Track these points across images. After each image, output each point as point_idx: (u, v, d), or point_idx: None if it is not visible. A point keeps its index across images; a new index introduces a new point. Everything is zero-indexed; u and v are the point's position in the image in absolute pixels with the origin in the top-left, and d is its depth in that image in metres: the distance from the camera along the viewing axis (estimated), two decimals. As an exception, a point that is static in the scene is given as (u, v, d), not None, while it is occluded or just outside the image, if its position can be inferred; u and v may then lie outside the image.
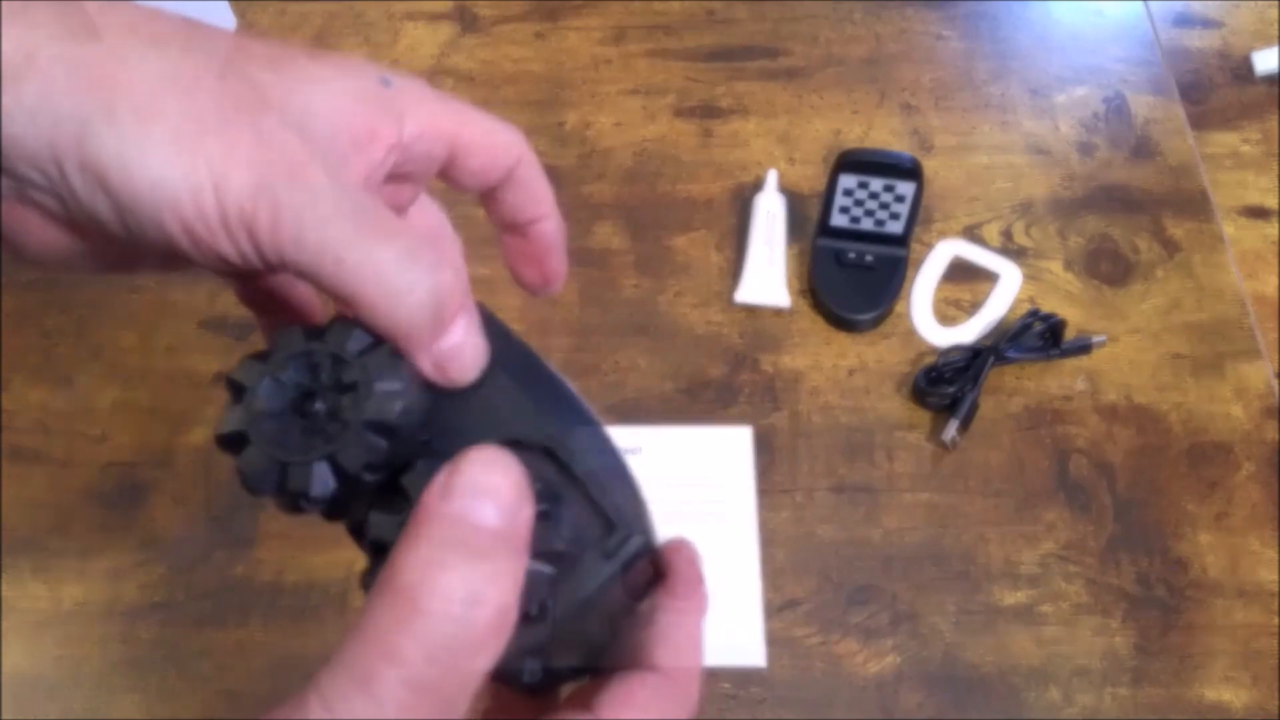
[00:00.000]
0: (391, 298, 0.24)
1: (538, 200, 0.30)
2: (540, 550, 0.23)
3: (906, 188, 0.67)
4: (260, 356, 0.25)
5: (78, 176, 0.22)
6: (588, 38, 0.83)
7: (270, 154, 0.23)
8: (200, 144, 0.22)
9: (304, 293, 0.30)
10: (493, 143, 0.29)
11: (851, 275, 0.69)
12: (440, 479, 0.22)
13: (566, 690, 0.28)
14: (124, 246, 0.24)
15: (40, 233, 0.24)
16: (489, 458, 0.22)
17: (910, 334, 0.68)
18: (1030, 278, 0.70)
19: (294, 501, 0.24)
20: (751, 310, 0.70)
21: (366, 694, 0.20)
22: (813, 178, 0.75)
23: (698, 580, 0.29)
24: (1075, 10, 0.84)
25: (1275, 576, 0.60)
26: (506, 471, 0.22)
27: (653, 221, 0.74)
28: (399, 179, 0.29)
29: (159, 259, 0.25)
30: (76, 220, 0.23)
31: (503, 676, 0.24)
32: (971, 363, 0.65)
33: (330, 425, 0.24)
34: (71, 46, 0.21)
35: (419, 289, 0.24)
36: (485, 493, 0.22)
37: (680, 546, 0.29)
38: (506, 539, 0.22)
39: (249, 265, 0.23)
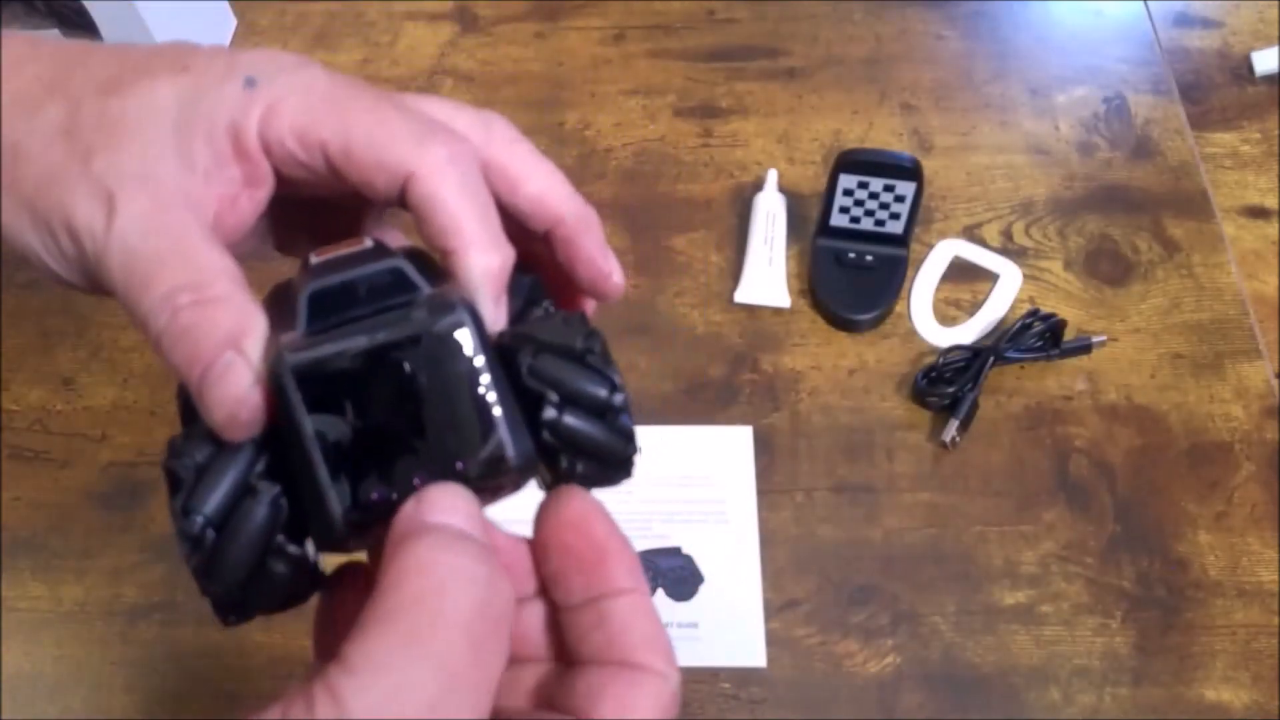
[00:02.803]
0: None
1: (455, 223, 0.26)
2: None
3: (906, 188, 0.67)
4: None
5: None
6: (588, 38, 0.83)
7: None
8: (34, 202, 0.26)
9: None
10: (382, 158, 0.27)
11: (851, 275, 0.69)
12: (410, 503, 0.24)
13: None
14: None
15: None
16: (450, 487, 0.24)
17: (910, 334, 0.68)
18: (1030, 278, 0.70)
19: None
20: (751, 310, 0.70)
21: (391, 683, 0.20)
22: (813, 178, 0.75)
23: (632, 557, 0.25)
24: (1075, 10, 0.84)
25: (1275, 576, 0.60)
26: (467, 496, 0.24)
27: (653, 221, 0.74)
28: (288, 184, 0.28)
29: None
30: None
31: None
32: (971, 363, 0.65)
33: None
34: None
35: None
36: (457, 510, 0.24)
37: (578, 520, 0.25)
38: (490, 548, 0.23)
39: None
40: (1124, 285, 0.70)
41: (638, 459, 0.27)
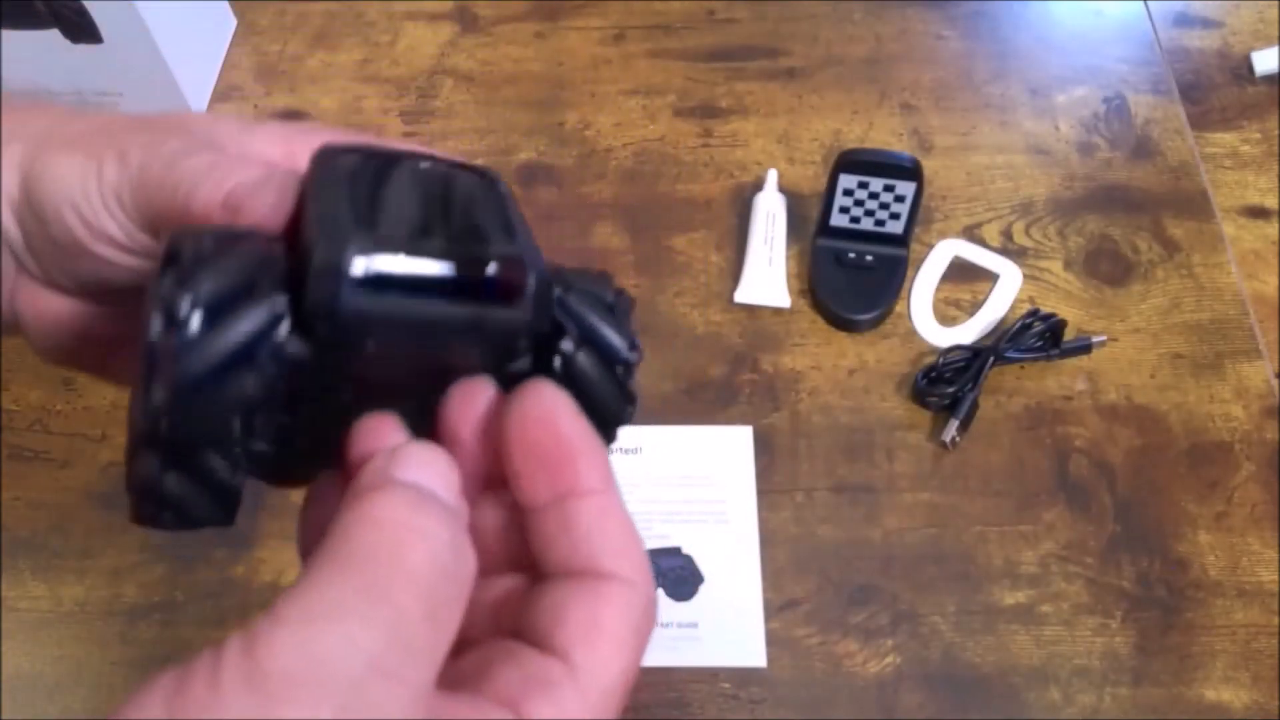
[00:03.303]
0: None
1: None
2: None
3: (906, 188, 0.67)
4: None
5: (26, 211, 0.27)
6: (588, 38, 0.83)
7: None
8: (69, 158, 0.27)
9: None
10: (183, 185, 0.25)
11: (851, 275, 0.69)
12: (383, 454, 0.22)
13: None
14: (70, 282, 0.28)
15: (42, 303, 0.29)
16: (423, 445, 0.22)
17: (910, 334, 0.68)
18: (1030, 278, 0.70)
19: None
20: (751, 310, 0.70)
21: (325, 641, 0.18)
22: (813, 178, 0.75)
23: (602, 458, 0.23)
24: (1075, 10, 0.84)
25: (1275, 576, 0.60)
26: (445, 456, 0.22)
27: (653, 221, 0.74)
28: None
29: (86, 284, 0.29)
30: (45, 270, 0.28)
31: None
32: (971, 363, 0.65)
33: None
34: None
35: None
36: (430, 468, 0.22)
37: (544, 415, 0.23)
38: (454, 512, 0.22)
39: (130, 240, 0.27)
40: (1124, 285, 0.70)
41: (628, 426, 0.26)
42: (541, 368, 0.25)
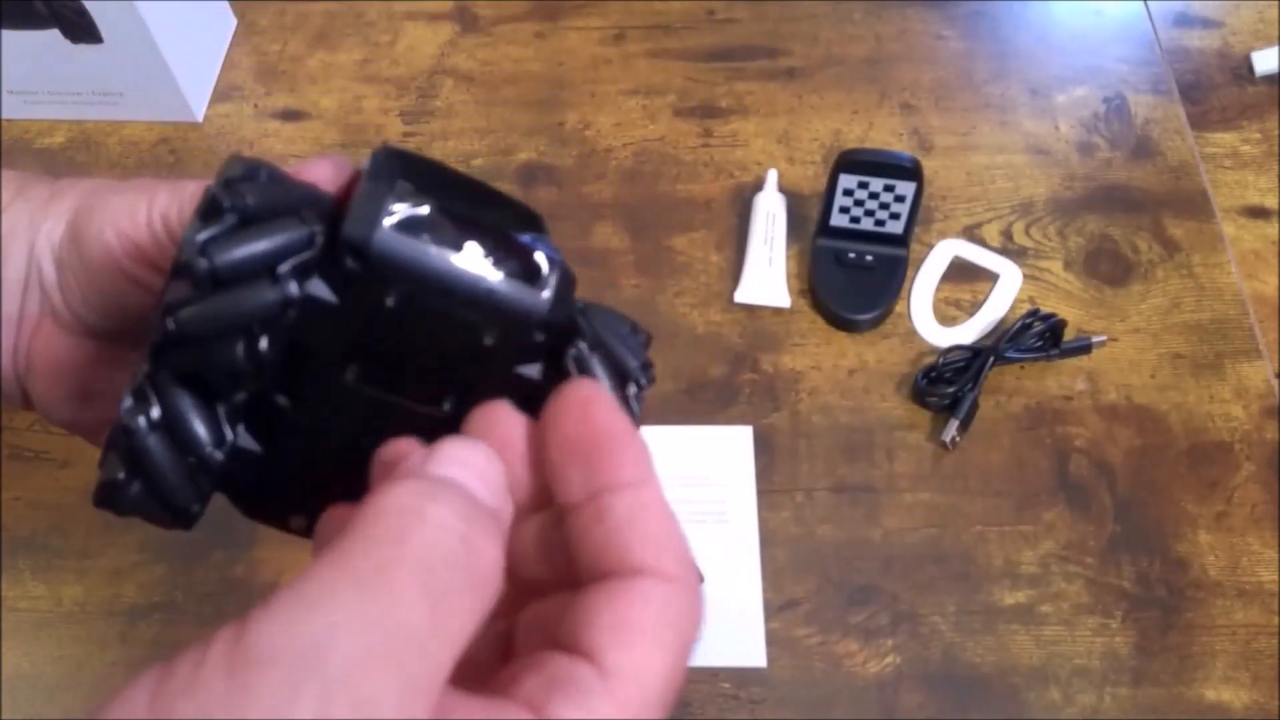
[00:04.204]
0: None
1: None
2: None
3: (906, 188, 0.67)
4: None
5: (71, 249, 0.29)
6: (588, 38, 0.83)
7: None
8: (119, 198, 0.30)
9: None
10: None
11: (851, 275, 0.69)
12: (420, 452, 0.21)
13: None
14: (95, 329, 0.30)
15: (57, 347, 0.30)
16: (464, 440, 0.22)
17: (910, 334, 0.68)
18: (1030, 278, 0.70)
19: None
20: (751, 310, 0.70)
21: (313, 627, 0.17)
22: (813, 178, 0.75)
23: (641, 449, 0.22)
24: (1075, 10, 0.84)
25: (1275, 576, 0.60)
26: (487, 453, 0.22)
27: (653, 221, 0.74)
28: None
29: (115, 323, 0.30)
30: (70, 307, 0.30)
31: None
32: (971, 363, 0.65)
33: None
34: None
35: None
36: (465, 465, 0.21)
37: (580, 406, 0.22)
38: (494, 513, 0.21)
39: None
40: (1124, 285, 0.70)
41: None
42: (552, 381, 0.25)
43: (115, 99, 0.77)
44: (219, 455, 0.24)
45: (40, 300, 0.30)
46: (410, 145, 0.77)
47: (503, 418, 0.23)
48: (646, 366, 0.26)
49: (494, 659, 0.22)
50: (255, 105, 0.80)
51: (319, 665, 0.17)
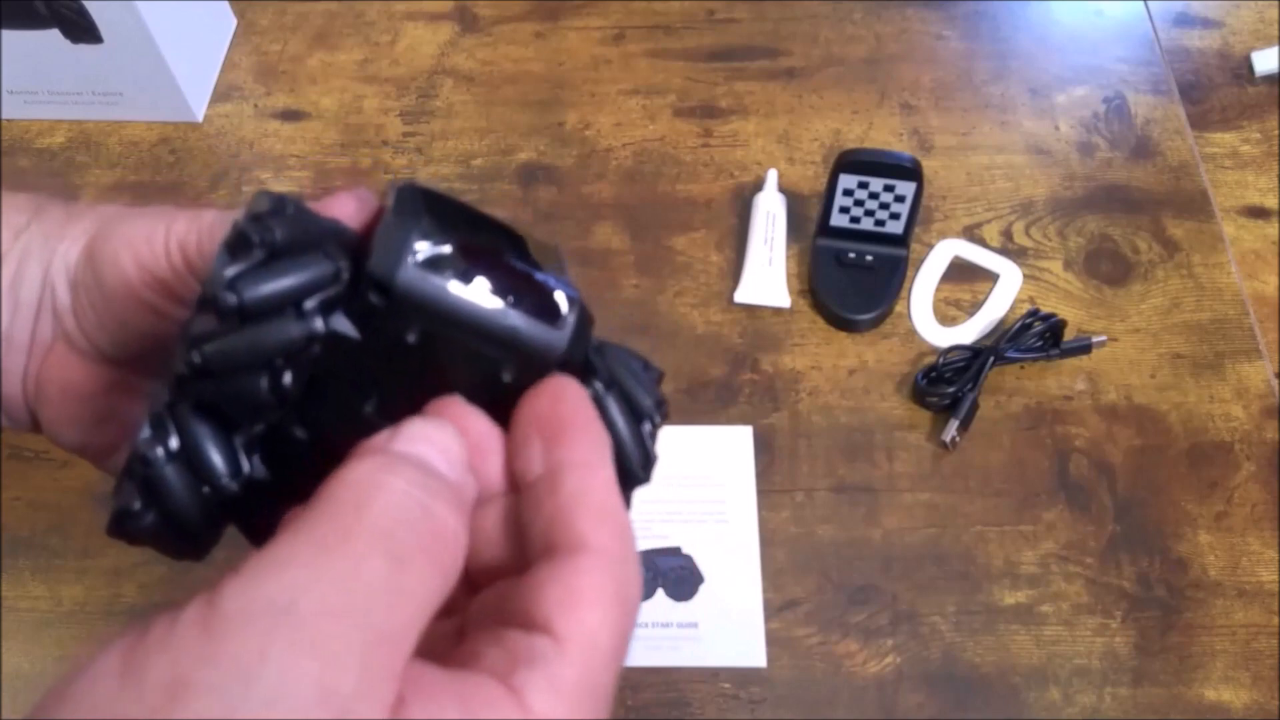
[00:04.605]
0: None
1: None
2: None
3: (906, 188, 0.67)
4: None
5: (86, 272, 0.29)
6: (588, 38, 0.83)
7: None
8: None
9: None
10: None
11: (851, 275, 0.69)
12: (385, 431, 0.22)
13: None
14: (109, 354, 0.30)
15: (69, 371, 0.30)
16: (428, 418, 0.23)
17: (910, 334, 0.68)
18: (1030, 278, 0.70)
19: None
20: (751, 310, 0.70)
21: (277, 586, 0.18)
22: (813, 178, 0.75)
23: (600, 438, 0.24)
24: (1075, 10, 0.84)
25: (1275, 576, 0.60)
26: (450, 430, 0.23)
27: (653, 221, 0.74)
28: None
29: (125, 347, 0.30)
30: (84, 331, 0.30)
31: None
32: (971, 363, 0.65)
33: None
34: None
35: None
36: (429, 441, 0.22)
37: (552, 391, 0.24)
38: (455, 487, 0.22)
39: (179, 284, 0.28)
40: (1124, 285, 0.70)
41: (640, 489, 0.26)
42: None
43: (115, 99, 0.77)
44: (235, 486, 0.24)
45: (53, 324, 0.30)
46: (410, 145, 0.77)
47: (462, 408, 0.24)
48: (660, 404, 0.26)
49: (449, 650, 0.22)
50: (255, 105, 0.80)
51: (286, 619, 0.18)
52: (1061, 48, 0.82)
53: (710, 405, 0.66)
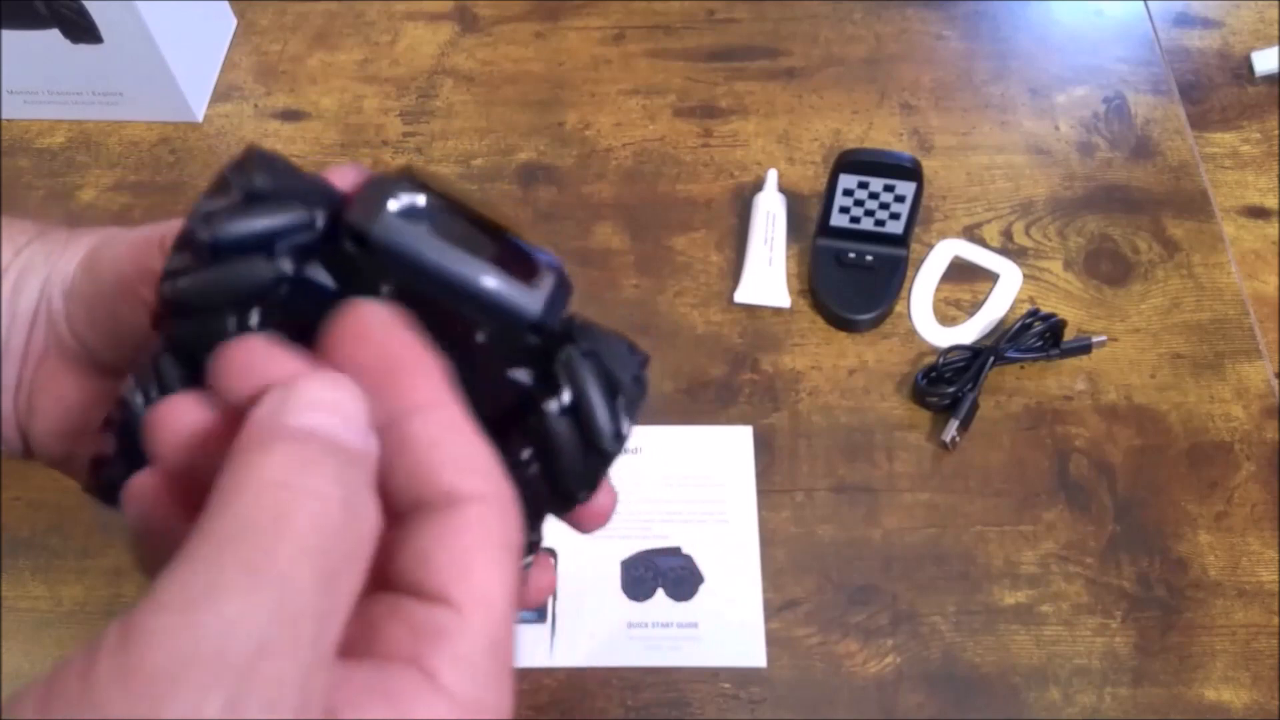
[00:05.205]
0: None
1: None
2: None
3: (906, 188, 0.67)
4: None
5: (83, 277, 0.30)
6: (588, 38, 0.83)
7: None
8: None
9: None
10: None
11: (851, 275, 0.69)
12: (274, 395, 0.20)
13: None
14: (102, 360, 0.30)
15: (60, 383, 0.30)
16: (326, 376, 0.20)
17: (910, 334, 0.68)
18: (1030, 278, 0.70)
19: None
20: (751, 310, 0.70)
21: (207, 626, 0.16)
22: (813, 178, 0.75)
23: (431, 369, 0.21)
24: (1075, 10, 0.84)
25: (1275, 576, 0.60)
26: (349, 388, 0.20)
27: (653, 221, 0.74)
28: None
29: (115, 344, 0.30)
30: (77, 337, 0.30)
31: None
32: (971, 363, 0.65)
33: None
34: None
35: None
36: (330, 408, 0.20)
37: (360, 328, 0.21)
38: (363, 458, 0.20)
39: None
40: (1124, 285, 0.70)
41: (579, 507, 0.26)
42: (543, 392, 0.25)
43: (115, 99, 0.77)
44: None
45: (47, 333, 0.30)
46: (410, 145, 0.77)
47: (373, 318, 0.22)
48: (638, 380, 0.26)
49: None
50: (255, 105, 0.80)
51: (219, 666, 0.16)
52: (1061, 48, 0.82)
53: (710, 405, 0.66)
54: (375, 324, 0.21)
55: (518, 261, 0.24)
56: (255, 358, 0.21)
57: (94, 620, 0.60)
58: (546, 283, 0.24)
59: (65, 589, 0.61)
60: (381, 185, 0.23)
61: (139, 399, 0.24)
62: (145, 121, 0.79)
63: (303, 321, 0.23)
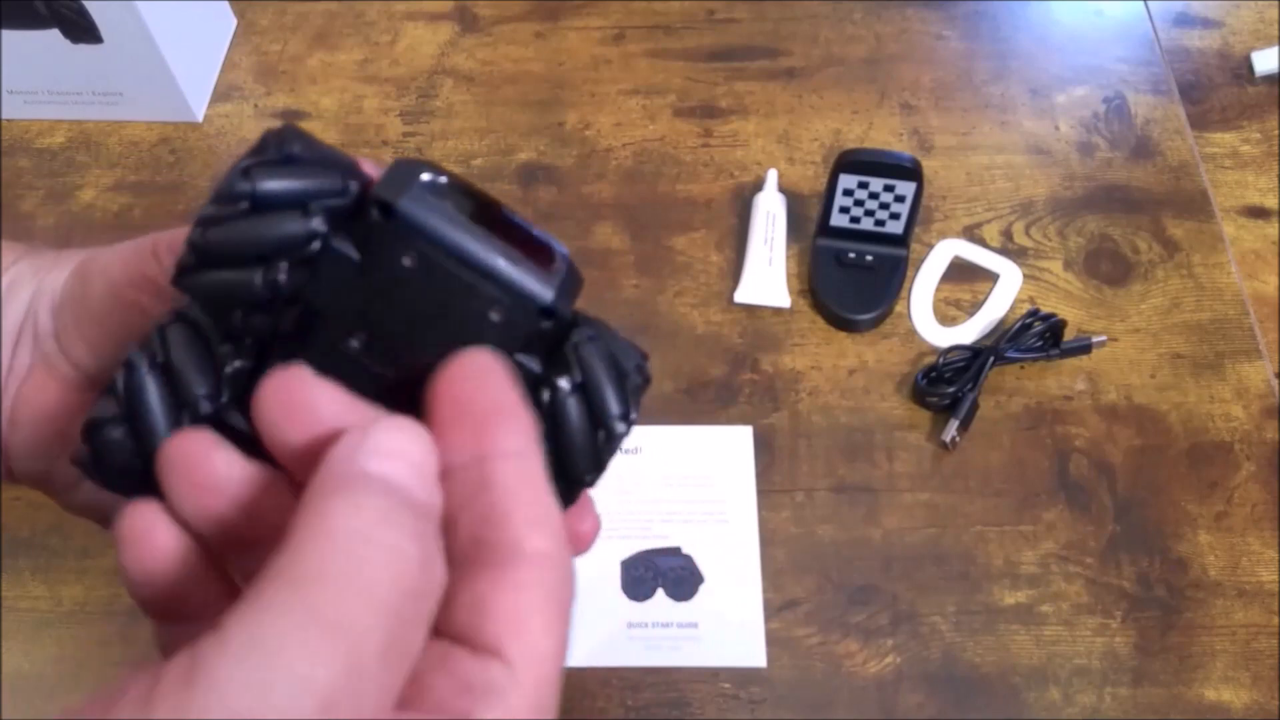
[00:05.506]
0: None
1: None
2: None
3: (906, 188, 0.67)
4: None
5: (73, 286, 0.30)
6: (588, 38, 0.83)
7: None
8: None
9: None
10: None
11: (851, 275, 0.69)
12: (351, 440, 0.20)
13: None
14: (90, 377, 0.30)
15: (44, 396, 0.30)
16: (400, 424, 0.21)
17: (910, 334, 0.68)
18: (1030, 278, 0.70)
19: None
20: (751, 310, 0.70)
21: (278, 671, 0.16)
22: (813, 178, 0.75)
23: (528, 424, 0.22)
24: (1075, 10, 0.84)
25: (1275, 576, 0.60)
26: (424, 439, 0.21)
27: (653, 221, 0.74)
28: None
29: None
30: (63, 346, 0.30)
31: None
32: (971, 363, 0.65)
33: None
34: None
35: None
36: (404, 456, 0.20)
37: (477, 371, 0.22)
38: (433, 511, 0.20)
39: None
40: (1124, 285, 0.70)
41: (588, 491, 0.26)
42: (552, 373, 0.25)
43: (115, 99, 0.77)
44: (209, 407, 0.24)
45: (32, 348, 0.30)
46: (410, 145, 0.77)
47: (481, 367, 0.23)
48: (640, 369, 0.26)
49: None
50: (255, 105, 0.80)
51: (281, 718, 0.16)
52: (1061, 48, 0.82)
53: (710, 405, 0.66)
54: (482, 367, 0.22)
55: (534, 249, 0.25)
56: (308, 396, 0.21)
57: (94, 620, 0.60)
58: (561, 269, 0.25)
59: (65, 589, 0.61)
60: (409, 165, 0.24)
61: (143, 361, 0.24)
62: (145, 121, 0.79)
63: (323, 301, 0.24)
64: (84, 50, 0.73)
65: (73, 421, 0.30)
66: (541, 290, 0.24)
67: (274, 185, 0.23)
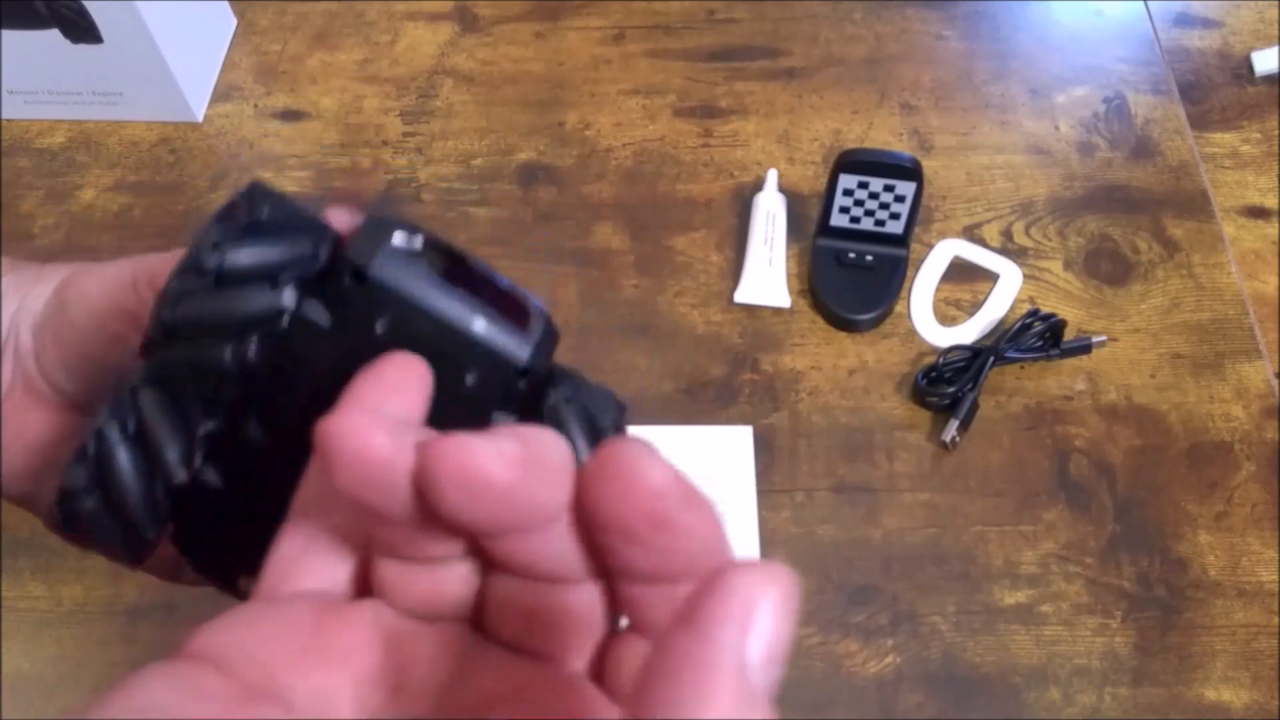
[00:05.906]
0: None
1: None
2: None
3: (906, 188, 0.67)
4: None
5: (54, 311, 0.29)
6: (588, 38, 0.83)
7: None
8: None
9: None
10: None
11: (851, 275, 0.69)
12: (736, 623, 0.15)
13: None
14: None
15: (24, 417, 0.30)
16: (773, 572, 0.16)
17: (910, 334, 0.68)
18: (1030, 278, 0.70)
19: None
20: (751, 310, 0.70)
21: None
22: (813, 178, 0.75)
23: (715, 524, 0.18)
24: (1075, 10, 0.84)
25: (1275, 576, 0.60)
26: (790, 589, 0.16)
27: (653, 221, 0.74)
28: None
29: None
30: (44, 369, 0.30)
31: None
32: (971, 363, 0.65)
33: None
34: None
35: None
36: (769, 619, 0.15)
37: (631, 488, 0.17)
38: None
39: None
40: (1124, 285, 0.70)
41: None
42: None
43: (115, 99, 0.77)
44: (184, 475, 0.24)
45: (13, 368, 0.30)
46: (410, 145, 0.77)
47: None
48: (618, 427, 0.26)
49: None
50: (255, 105, 0.80)
51: None
52: (1061, 48, 0.82)
53: (710, 405, 0.66)
54: (639, 476, 0.17)
55: (509, 307, 0.24)
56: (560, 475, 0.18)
57: (94, 620, 0.60)
58: (536, 328, 0.24)
59: (65, 589, 0.61)
60: (381, 223, 0.24)
61: (114, 430, 0.24)
62: (145, 121, 0.79)
63: (294, 363, 0.24)
64: (84, 50, 0.73)
65: (55, 444, 0.30)
66: (518, 350, 0.24)
67: (242, 259, 0.23)
